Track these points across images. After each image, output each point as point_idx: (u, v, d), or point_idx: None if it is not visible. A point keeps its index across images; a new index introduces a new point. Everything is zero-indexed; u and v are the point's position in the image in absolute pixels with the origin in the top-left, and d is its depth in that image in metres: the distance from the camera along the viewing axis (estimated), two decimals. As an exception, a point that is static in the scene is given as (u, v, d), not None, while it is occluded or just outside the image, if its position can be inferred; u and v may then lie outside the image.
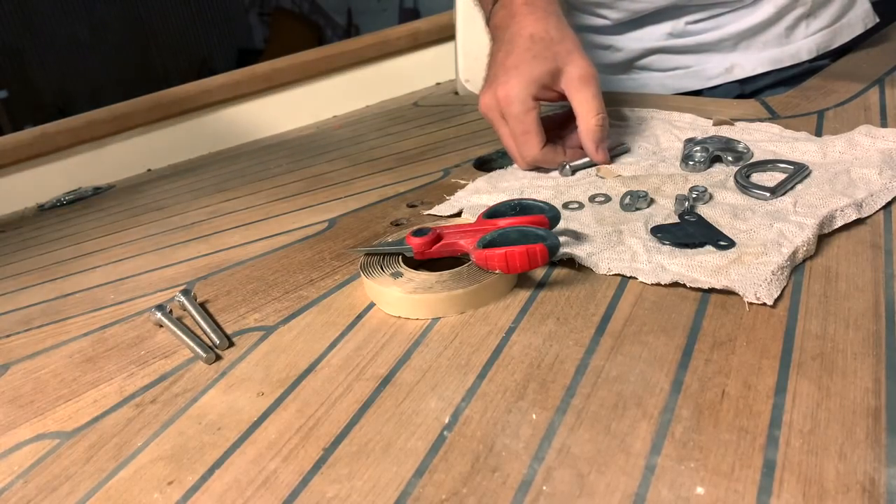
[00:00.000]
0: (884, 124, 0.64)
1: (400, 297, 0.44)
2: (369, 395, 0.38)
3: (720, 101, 0.77)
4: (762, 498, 0.29)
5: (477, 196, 0.59)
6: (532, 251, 0.43)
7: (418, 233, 0.47)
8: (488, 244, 0.45)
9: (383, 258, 0.48)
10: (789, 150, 0.60)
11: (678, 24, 0.83)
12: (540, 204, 0.50)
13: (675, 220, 0.51)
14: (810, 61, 0.83)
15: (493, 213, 0.50)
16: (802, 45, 0.83)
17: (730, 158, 0.59)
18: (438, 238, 0.47)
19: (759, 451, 0.31)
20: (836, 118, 0.67)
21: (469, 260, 0.46)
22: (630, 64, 0.88)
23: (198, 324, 0.47)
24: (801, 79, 0.80)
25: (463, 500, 0.30)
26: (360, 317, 0.46)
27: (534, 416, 0.35)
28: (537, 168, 0.63)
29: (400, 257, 0.48)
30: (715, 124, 0.68)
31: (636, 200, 0.53)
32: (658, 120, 0.71)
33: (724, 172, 0.57)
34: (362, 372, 0.40)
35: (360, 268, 0.48)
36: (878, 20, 0.85)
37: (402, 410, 0.36)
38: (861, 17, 0.85)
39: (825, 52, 0.83)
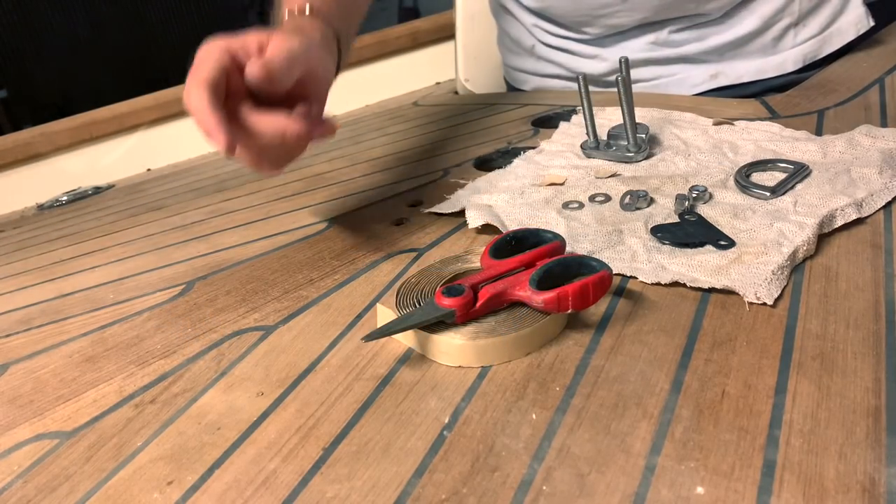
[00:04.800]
0: (884, 124, 0.64)
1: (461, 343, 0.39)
2: (369, 395, 0.38)
3: (720, 101, 0.77)
4: (762, 498, 0.29)
5: (477, 196, 0.59)
6: (604, 278, 0.40)
7: (450, 293, 0.40)
8: (540, 285, 0.40)
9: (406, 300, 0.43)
10: (789, 150, 0.60)
11: (660, 34, 0.82)
12: (548, 233, 0.46)
13: (675, 219, 0.51)
14: (796, 72, 0.82)
15: (501, 248, 0.45)
16: (788, 55, 0.81)
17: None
18: (474, 292, 0.41)
19: (759, 451, 0.31)
20: (837, 118, 0.67)
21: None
22: (614, 73, 0.87)
23: None
24: (789, 86, 0.79)
25: (463, 500, 0.30)
26: (359, 316, 0.46)
27: (534, 416, 0.35)
28: None
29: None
30: (715, 124, 0.68)
31: (636, 200, 0.53)
32: (658, 119, 0.71)
33: (723, 172, 0.57)
34: (362, 372, 0.40)
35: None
36: (872, 24, 0.83)
37: (401, 410, 0.36)
38: (854, 22, 0.83)
39: (813, 62, 0.82)
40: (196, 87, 0.48)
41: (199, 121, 0.48)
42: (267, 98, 0.51)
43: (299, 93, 0.54)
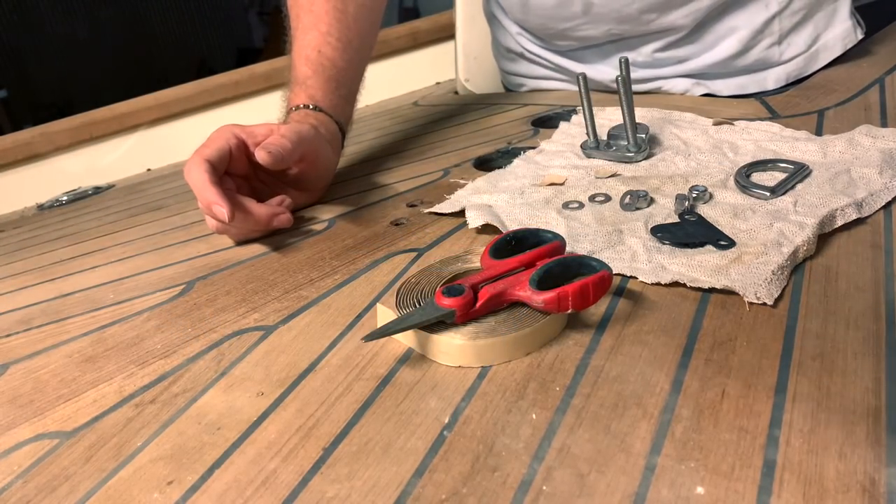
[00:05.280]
0: (884, 124, 0.64)
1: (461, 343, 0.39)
2: (369, 394, 0.38)
3: (720, 101, 0.77)
4: (762, 498, 0.29)
5: (477, 196, 0.59)
6: (604, 278, 0.40)
7: (450, 292, 0.40)
8: (541, 285, 0.40)
9: (406, 300, 0.43)
10: (790, 150, 0.60)
11: (639, 54, 0.82)
12: (547, 233, 0.46)
13: (676, 219, 0.51)
14: (776, 88, 0.80)
15: (501, 248, 0.45)
16: (770, 74, 0.80)
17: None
18: (474, 292, 0.40)
19: (759, 451, 0.31)
20: (837, 117, 0.67)
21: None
22: (596, 88, 0.86)
23: None
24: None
25: (463, 500, 0.30)
26: (359, 316, 0.46)
27: (534, 415, 0.35)
28: None
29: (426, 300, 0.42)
30: (715, 124, 0.68)
31: (636, 200, 0.53)
32: (658, 119, 0.71)
33: (723, 172, 0.57)
34: (362, 372, 0.40)
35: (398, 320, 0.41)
36: (860, 37, 0.81)
37: (401, 410, 0.36)
38: (841, 36, 0.80)
39: (797, 78, 0.80)
40: (196, 165, 0.55)
41: (198, 194, 0.55)
42: (263, 179, 0.60)
43: (296, 177, 0.62)
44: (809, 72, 0.81)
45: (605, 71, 0.85)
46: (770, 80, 0.80)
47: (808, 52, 0.80)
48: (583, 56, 0.87)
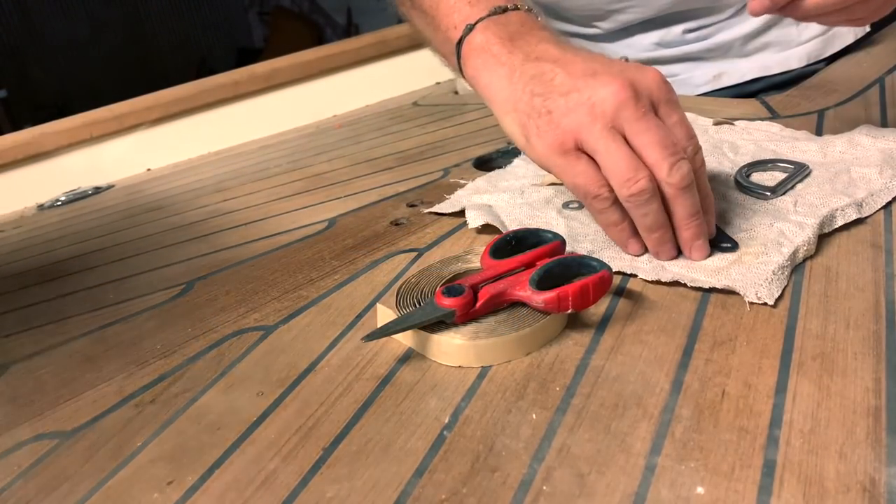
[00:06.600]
0: (884, 124, 0.64)
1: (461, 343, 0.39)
2: (369, 394, 0.38)
3: (720, 101, 0.77)
4: (762, 498, 0.29)
5: (477, 196, 0.59)
6: (604, 278, 0.40)
7: (450, 292, 0.40)
8: (540, 285, 0.40)
9: (406, 301, 0.42)
10: (789, 150, 0.60)
11: (667, 33, 0.82)
12: (547, 233, 0.46)
13: (675, 219, 0.51)
14: (801, 67, 0.82)
15: (501, 248, 0.45)
16: (792, 53, 0.81)
17: None
18: (474, 292, 0.40)
19: (760, 451, 0.31)
20: (837, 117, 0.67)
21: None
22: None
23: None
24: (791, 84, 0.79)
25: (463, 500, 0.30)
26: (359, 316, 0.46)
27: (534, 416, 0.35)
28: None
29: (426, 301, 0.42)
30: (715, 124, 0.68)
31: (636, 200, 0.53)
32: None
33: (723, 172, 0.57)
34: (362, 372, 0.40)
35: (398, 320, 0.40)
36: (868, 29, 0.84)
37: (401, 410, 0.36)
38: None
39: (816, 60, 0.82)
40: None
41: None
42: None
43: None
44: (827, 54, 0.82)
45: (628, 50, 0.85)
46: (793, 59, 0.81)
47: (824, 37, 0.82)
48: (610, 37, 0.87)
